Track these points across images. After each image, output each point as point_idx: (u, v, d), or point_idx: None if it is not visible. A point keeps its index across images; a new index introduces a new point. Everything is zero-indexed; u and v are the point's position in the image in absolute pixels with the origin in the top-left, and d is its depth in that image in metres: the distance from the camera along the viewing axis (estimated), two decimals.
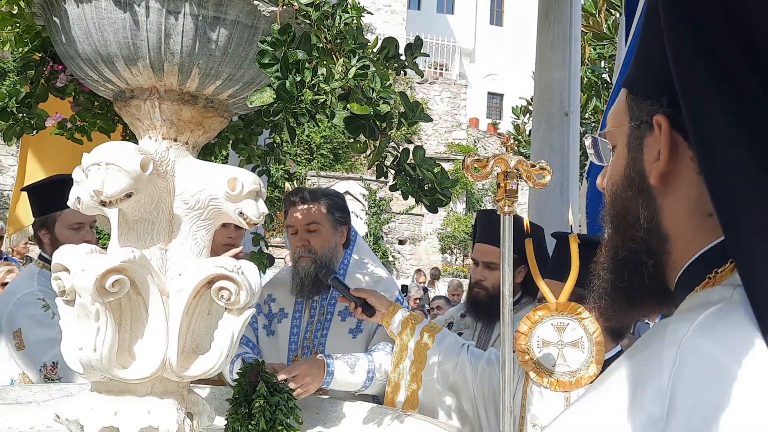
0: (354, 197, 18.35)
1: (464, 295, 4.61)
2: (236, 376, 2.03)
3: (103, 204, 1.44)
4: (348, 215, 2.69)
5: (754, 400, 0.60)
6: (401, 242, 19.28)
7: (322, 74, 1.42)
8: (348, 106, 1.45)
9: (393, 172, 1.67)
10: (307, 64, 1.44)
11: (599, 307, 0.90)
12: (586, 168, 3.86)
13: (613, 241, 0.86)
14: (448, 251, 19.83)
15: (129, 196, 1.44)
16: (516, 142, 13.72)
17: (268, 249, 2.55)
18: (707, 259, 0.75)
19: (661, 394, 0.63)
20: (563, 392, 1.83)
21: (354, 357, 2.35)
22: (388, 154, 1.62)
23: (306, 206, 2.55)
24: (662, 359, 0.65)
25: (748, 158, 0.68)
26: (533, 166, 1.69)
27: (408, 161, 1.63)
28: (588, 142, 0.98)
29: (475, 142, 23.13)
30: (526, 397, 1.97)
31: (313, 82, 1.40)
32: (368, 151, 1.58)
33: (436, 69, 25.66)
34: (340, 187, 18.29)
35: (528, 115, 13.58)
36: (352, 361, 2.33)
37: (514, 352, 1.79)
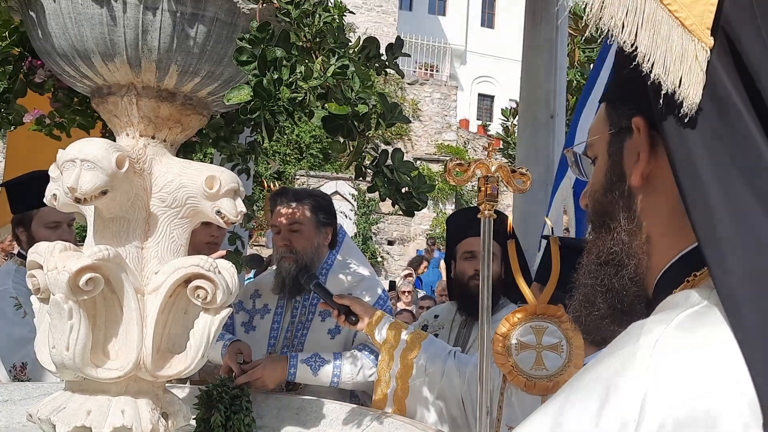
0: (343, 197, 18.30)
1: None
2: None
3: (78, 201, 1.42)
4: (333, 217, 2.71)
5: (728, 405, 0.60)
6: (390, 243, 19.25)
7: (300, 72, 1.41)
8: (326, 105, 1.44)
9: (372, 173, 1.66)
10: (285, 62, 1.42)
11: (579, 317, 0.88)
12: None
13: (595, 245, 0.86)
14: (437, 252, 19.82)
15: (104, 193, 1.43)
16: (503, 144, 13.74)
17: (245, 248, 2.55)
18: (686, 262, 0.75)
19: (634, 396, 0.62)
20: (540, 395, 1.83)
21: (321, 360, 2.42)
22: (367, 154, 1.61)
23: (290, 206, 2.58)
24: (636, 360, 0.64)
25: (718, 153, 0.67)
26: (513, 171, 1.69)
27: (386, 164, 1.62)
28: (569, 155, 0.97)
29: (465, 143, 23.12)
30: (503, 400, 1.96)
31: (290, 80, 1.39)
32: (347, 152, 1.57)
33: (426, 70, 25.65)
34: (329, 187, 18.25)
35: (517, 118, 13.59)
36: (317, 364, 2.42)
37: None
